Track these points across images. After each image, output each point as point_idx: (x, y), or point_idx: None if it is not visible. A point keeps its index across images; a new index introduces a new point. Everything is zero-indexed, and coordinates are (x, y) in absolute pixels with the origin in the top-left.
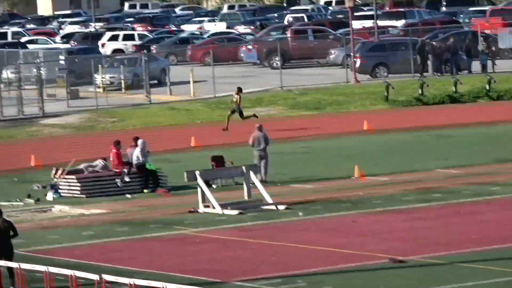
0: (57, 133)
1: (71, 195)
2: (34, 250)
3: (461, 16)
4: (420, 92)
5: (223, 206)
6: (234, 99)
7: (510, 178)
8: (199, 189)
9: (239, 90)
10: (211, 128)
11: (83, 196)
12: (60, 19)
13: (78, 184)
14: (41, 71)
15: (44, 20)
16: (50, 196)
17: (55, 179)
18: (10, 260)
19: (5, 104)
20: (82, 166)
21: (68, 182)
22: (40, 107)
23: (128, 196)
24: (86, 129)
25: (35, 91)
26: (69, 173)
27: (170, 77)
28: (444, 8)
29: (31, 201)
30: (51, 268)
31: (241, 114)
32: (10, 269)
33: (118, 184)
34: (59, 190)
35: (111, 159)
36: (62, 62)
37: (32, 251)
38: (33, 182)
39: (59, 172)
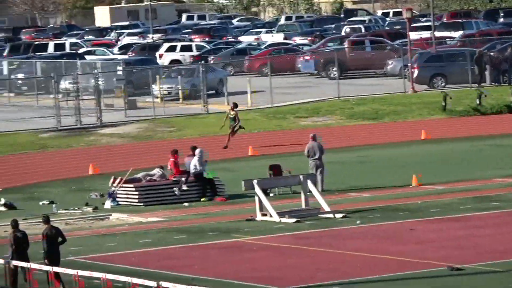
0: (115, 142)
1: (128, 203)
2: (92, 257)
3: None
4: (477, 102)
5: (281, 214)
6: (231, 115)
7: None
8: (256, 198)
9: (235, 105)
10: (268, 137)
11: (141, 204)
12: (118, 31)
13: (136, 193)
14: (99, 82)
15: (102, 31)
16: (108, 204)
17: (113, 188)
18: (57, 265)
19: (63, 114)
20: (140, 175)
21: (126, 190)
22: (98, 117)
23: (186, 204)
24: (144, 139)
25: (93, 101)
26: (127, 181)
27: (227, 87)
28: (501, 19)
29: (89, 209)
30: (108, 275)
31: (233, 131)
32: (57, 273)
33: (176, 193)
34: (117, 199)
35: (169, 168)
36: (119, 72)
37: (90, 258)
38: (91, 191)
39: (117, 181)
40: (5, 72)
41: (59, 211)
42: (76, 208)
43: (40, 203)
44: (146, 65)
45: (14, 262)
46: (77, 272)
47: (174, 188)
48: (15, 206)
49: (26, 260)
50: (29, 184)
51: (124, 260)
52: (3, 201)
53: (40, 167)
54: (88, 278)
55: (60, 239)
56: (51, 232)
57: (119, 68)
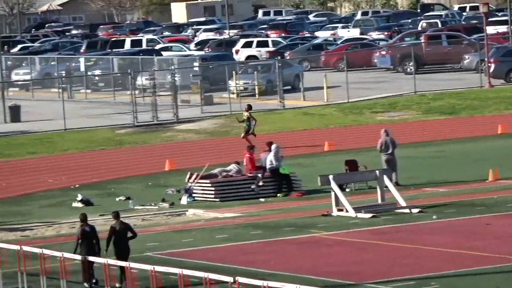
0: (191, 138)
1: (205, 199)
2: (169, 253)
3: None
4: None
5: (357, 210)
6: (245, 117)
7: None
8: (332, 193)
9: (249, 107)
10: (345, 132)
11: (217, 200)
12: (195, 27)
13: (212, 189)
14: (175, 78)
15: (179, 27)
16: (184, 200)
17: (190, 184)
18: (126, 260)
19: (140, 110)
20: (216, 170)
21: (202, 186)
22: (174, 113)
23: (262, 200)
24: (220, 135)
25: (170, 97)
26: (203, 177)
27: (303, 83)
28: None
29: (166, 205)
30: (185, 271)
31: (247, 132)
32: (122, 268)
33: (254, 188)
34: (193, 194)
35: (244, 163)
36: (196, 68)
37: (166, 254)
38: (167, 187)
39: (194, 176)
40: (82, 68)
41: (135, 207)
42: (152, 204)
43: (117, 199)
44: (222, 61)
45: (79, 256)
46: (153, 268)
47: (252, 186)
48: (92, 202)
49: (95, 254)
50: (106, 180)
51: (200, 256)
52: (80, 197)
53: (116, 163)
54: (165, 274)
55: (129, 234)
56: (120, 227)
57: (196, 64)
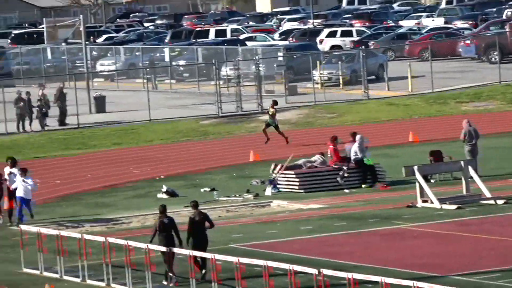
0: (275, 129)
1: (289, 190)
2: (253, 245)
3: None
4: None
5: (442, 201)
6: (270, 112)
7: None
8: (417, 184)
9: (275, 103)
10: (429, 123)
11: (302, 191)
12: (279, 16)
13: (297, 180)
14: (259, 68)
15: (263, 17)
16: (269, 191)
17: (274, 175)
18: (204, 250)
19: (224, 100)
20: (300, 161)
21: (286, 177)
22: (258, 103)
23: (347, 191)
24: (304, 125)
25: (254, 87)
26: (287, 168)
27: (388, 73)
28: None
29: (250, 196)
30: (270, 262)
31: (277, 127)
32: (203, 259)
33: (339, 181)
34: (278, 186)
35: (329, 155)
36: (280, 58)
37: (251, 245)
38: (252, 178)
39: (278, 167)
40: (167, 59)
41: (220, 198)
42: (237, 195)
43: (202, 190)
44: (306, 50)
45: (153, 246)
46: (238, 260)
47: (337, 178)
48: (177, 193)
49: (173, 245)
50: (191, 171)
51: (285, 247)
52: (165, 188)
53: (201, 154)
54: (250, 265)
55: (207, 224)
56: (198, 217)
57: (280, 54)
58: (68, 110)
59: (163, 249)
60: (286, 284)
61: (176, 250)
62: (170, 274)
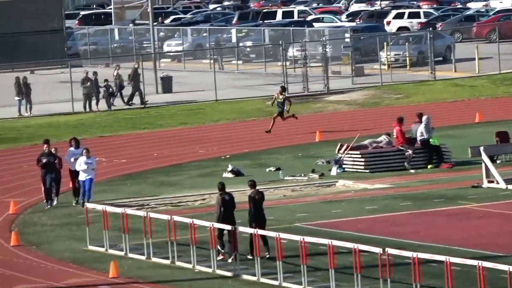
0: (341, 109)
1: (355, 170)
2: (318, 224)
3: None
4: None
5: (507, 181)
6: (279, 99)
7: None
8: (483, 164)
9: (283, 89)
10: (496, 104)
11: (367, 171)
12: None
13: (362, 160)
14: (326, 49)
15: None
16: (334, 171)
17: (340, 155)
18: (263, 228)
19: (291, 81)
20: (366, 142)
21: (352, 157)
22: (325, 84)
23: (412, 171)
24: (371, 106)
25: (320, 68)
26: (353, 148)
27: (455, 54)
28: None
29: (315, 176)
30: (334, 241)
31: (281, 114)
32: (264, 237)
33: (406, 166)
34: (343, 165)
35: (395, 135)
36: (347, 40)
37: (316, 224)
38: (317, 158)
39: (344, 147)
40: (234, 39)
41: (285, 178)
42: (302, 175)
43: (267, 169)
44: (373, 32)
45: (219, 225)
46: (303, 238)
47: (405, 163)
48: (242, 172)
49: (232, 223)
50: (256, 150)
51: (350, 227)
52: (230, 167)
53: (267, 134)
54: (314, 244)
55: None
56: (257, 196)
57: (347, 35)
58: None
59: (225, 226)
60: (351, 263)
61: (221, 225)
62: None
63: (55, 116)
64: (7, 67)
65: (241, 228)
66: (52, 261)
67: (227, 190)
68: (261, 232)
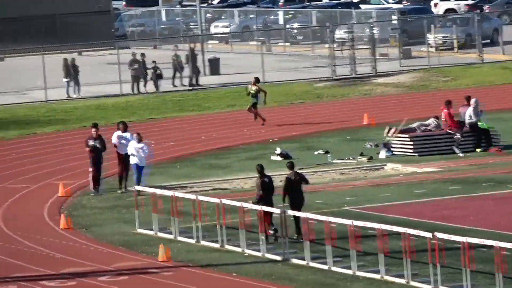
0: (389, 92)
1: (403, 153)
2: (367, 208)
3: None
4: None
5: None
6: (252, 91)
7: None
8: None
9: (257, 80)
10: None
11: (416, 154)
12: None
13: (411, 143)
14: (374, 31)
15: None
16: (382, 154)
17: (388, 138)
18: (300, 210)
19: (338, 63)
20: (415, 125)
21: (400, 140)
22: (372, 66)
23: (461, 155)
24: (418, 88)
25: (368, 50)
26: (401, 131)
27: (502, 37)
28: None
29: (364, 159)
30: (383, 225)
31: (255, 105)
32: (297, 218)
33: (455, 150)
34: (392, 149)
35: (443, 119)
36: (394, 22)
37: (364, 208)
38: (365, 141)
39: (392, 130)
40: (281, 21)
41: (334, 161)
42: (351, 158)
43: (315, 152)
44: (421, 14)
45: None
46: (352, 222)
47: (453, 148)
48: (290, 155)
49: (271, 205)
50: (304, 134)
51: (399, 211)
52: (278, 150)
53: (315, 117)
54: (363, 228)
55: (303, 183)
56: (294, 177)
57: (394, 17)
58: (184, 72)
59: (274, 209)
60: (400, 247)
61: (270, 209)
62: (269, 232)
63: (103, 98)
64: (55, 49)
65: (269, 209)
66: (101, 244)
67: (277, 173)
68: (296, 213)
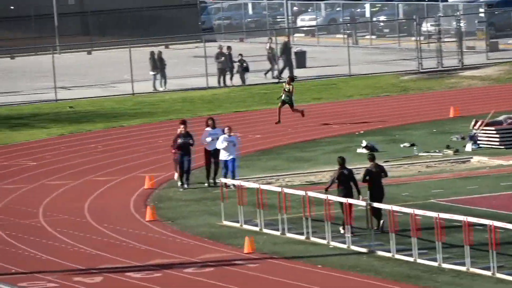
0: (476, 85)
1: (489, 146)
2: (453, 200)
3: None
4: None
5: None
6: (286, 89)
7: None
8: None
9: (291, 79)
10: None
11: (502, 147)
12: None
13: (497, 136)
14: (460, 24)
15: None
16: (469, 147)
17: (475, 130)
18: (380, 201)
19: (424, 56)
20: (501, 117)
21: (487, 133)
22: (459, 59)
23: None
24: (506, 81)
25: (454, 43)
26: (488, 124)
27: None
28: None
29: (450, 152)
30: (469, 218)
31: (291, 105)
32: (378, 210)
33: None
34: (478, 141)
35: None
36: (481, 14)
37: (450, 201)
38: (452, 133)
39: (479, 123)
40: (367, 14)
41: (420, 154)
42: (437, 151)
43: (401, 145)
44: (508, 6)
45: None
46: (438, 215)
47: None
48: (376, 148)
49: (351, 196)
50: (390, 126)
51: (485, 203)
52: (364, 143)
53: (401, 110)
54: (449, 221)
55: (383, 175)
56: (375, 169)
57: (481, 10)
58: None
59: (343, 200)
60: (486, 240)
61: (354, 201)
62: (347, 226)
63: (189, 91)
64: (142, 42)
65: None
66: (187, 236)
67: (362, 166)
68: (377, 205)
